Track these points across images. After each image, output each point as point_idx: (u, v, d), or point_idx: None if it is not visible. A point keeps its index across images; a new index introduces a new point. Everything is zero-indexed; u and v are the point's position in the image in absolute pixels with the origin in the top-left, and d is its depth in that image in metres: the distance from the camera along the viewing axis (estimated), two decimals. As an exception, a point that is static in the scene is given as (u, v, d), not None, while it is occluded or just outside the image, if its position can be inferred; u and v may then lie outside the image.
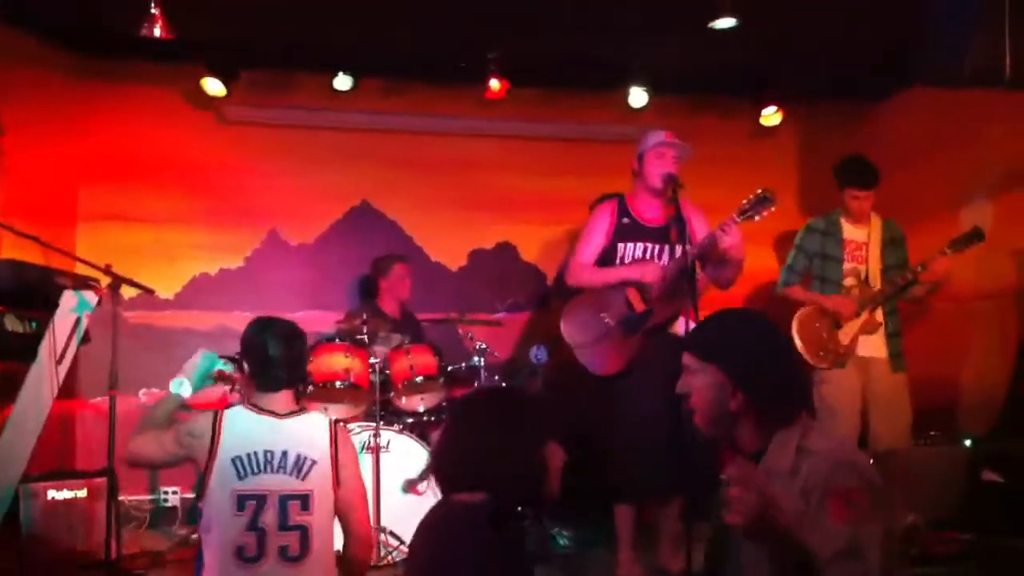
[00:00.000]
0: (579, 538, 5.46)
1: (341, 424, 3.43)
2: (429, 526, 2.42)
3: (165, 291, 6.65)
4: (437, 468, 2.46)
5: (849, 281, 5.49)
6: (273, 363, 3.33)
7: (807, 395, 2.42)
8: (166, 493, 6.39)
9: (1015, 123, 6.00)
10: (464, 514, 2.32)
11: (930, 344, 6.08)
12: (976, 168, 6.28)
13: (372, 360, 5.45)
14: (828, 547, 2.09)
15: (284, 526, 3.13)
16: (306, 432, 3.28)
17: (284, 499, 3.15)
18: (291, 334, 3.42)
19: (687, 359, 2.40)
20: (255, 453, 3.18)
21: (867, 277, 5.51)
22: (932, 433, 5.78)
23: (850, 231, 5.57)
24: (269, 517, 3.12)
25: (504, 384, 5.82)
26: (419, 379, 5.52)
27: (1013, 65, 5.27)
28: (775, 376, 2.34)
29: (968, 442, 5.76)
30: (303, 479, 3.20)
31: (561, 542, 5.42)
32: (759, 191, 4.91)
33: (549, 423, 2.46)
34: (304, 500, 3.17)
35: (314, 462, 3.23)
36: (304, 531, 3.16)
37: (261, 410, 3.29)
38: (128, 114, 6.76)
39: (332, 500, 3.25)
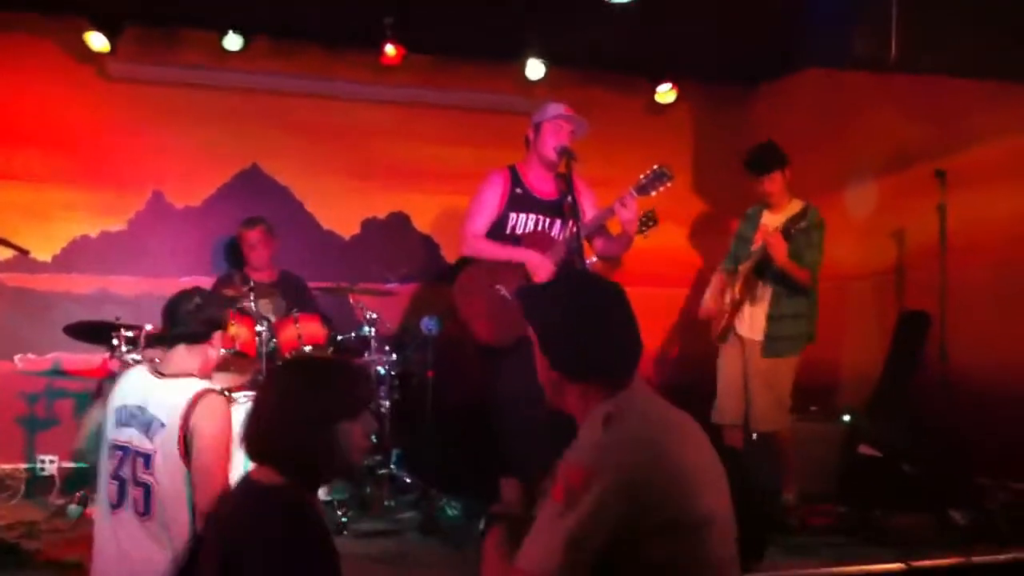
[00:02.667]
0: (467, 508, 5.46)
1: (215, 396, 3.32)
2: (229, 507, 2.42)
3: (42, 253, 6.40)
4: (244, 437, 2.43)
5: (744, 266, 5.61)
6: (171, 319, 3.42)
7: (613, 367, 2.20)
8: (43, 462, 6.17)
9: (900, 106, 6.18)
10: (261, 496, 2.30)
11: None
12: (861, 150, 6.45)
13: (259, 328, 5.35)
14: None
15: (135, 480, 3.24)
16: (170, 395, 3.29)
17: (136, 454, 3.25)
18: (194, 290, 3.53)
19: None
20: (128, 406, 3.31)
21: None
22: (812, 409, 5.95)
23: (767, 217, 5.68)
24: (127, 469, 3.25)
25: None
26: (307, 348, 5.45)
27: (898, 48, 5.42)
28: (572, 343, 2.20)
29: (847, 418, 5.95)
30: (150, 439, 3.25)
31: (450, 512, 5.42)
32: (656, 167, 4.98)
33: (354, 394, 2.44)
34: (147, 459, 3.23)
35: (162, 425, 3.24)
36: (147, 489, 3.22)
37: (154, 369, 3.40)
38: (1, 66, 6.45)
39: (182, 467, 3.21)
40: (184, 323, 3.41)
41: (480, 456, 4.93)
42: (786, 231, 5.24)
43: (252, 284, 5.52)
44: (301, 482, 2.35)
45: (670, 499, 1.98)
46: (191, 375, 3.37)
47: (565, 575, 1.94)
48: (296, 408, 2.36)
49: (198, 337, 3.43)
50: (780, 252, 5.23)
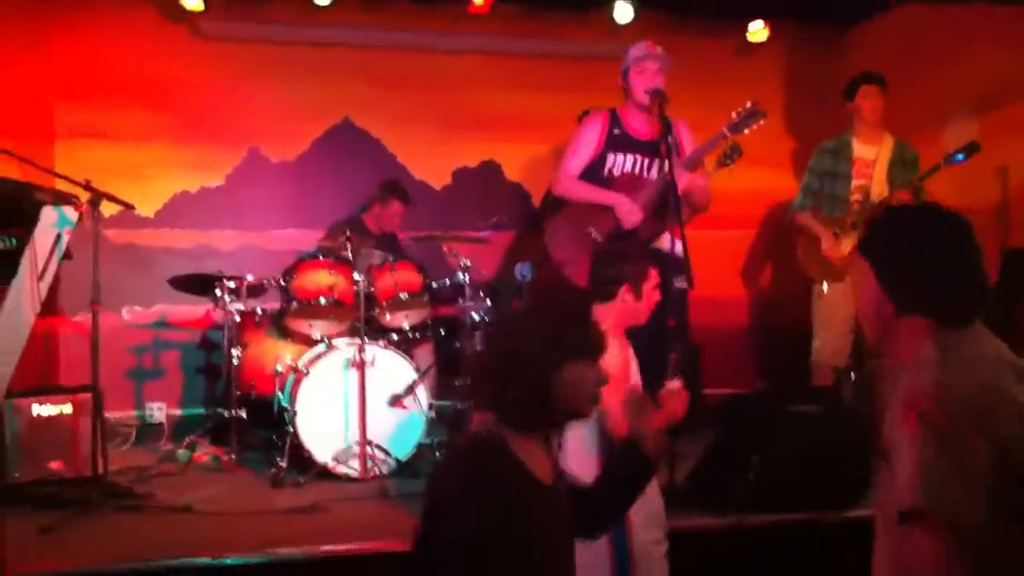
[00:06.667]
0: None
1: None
2: (444, 460, 2.34)
3: (146, 209, 6.56)
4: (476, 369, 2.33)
5: (855, 196, 5.55)
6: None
7: (954, 301, 2.07)
8: (151, 409, 6.40)
9: (1000, 38, 5.97)
10: (463, 446, 2.24)
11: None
12: (961, 85, 6.25)
13: (356, 277, 5.43)
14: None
15: None
16: None
17: None
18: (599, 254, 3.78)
19: (857, 258, 2.23)
20: None
21: (871, 194, 5.56)
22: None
23: (860, 149, 5.65)
24: None
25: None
26: (403, 296, 5.52)
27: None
28: (927, 282, 2.08)
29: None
30: None
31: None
32: (749, 104, 4.91)
33: (593, 336, 2.28)
34: None
35: None
36: None
37: None
38: (102, 29, 6.60)
39: None
40: (595, 285, 3.59)
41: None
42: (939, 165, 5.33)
43: (348, 233, 5.57)
44: (518, 424, 2.20)
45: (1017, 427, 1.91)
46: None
47: (962, 515, 1.90)
48: (532, 337, 2.21)
49: (606, 296, 3.52)
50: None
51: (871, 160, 5.62)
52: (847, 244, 5.54)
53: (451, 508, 2.08)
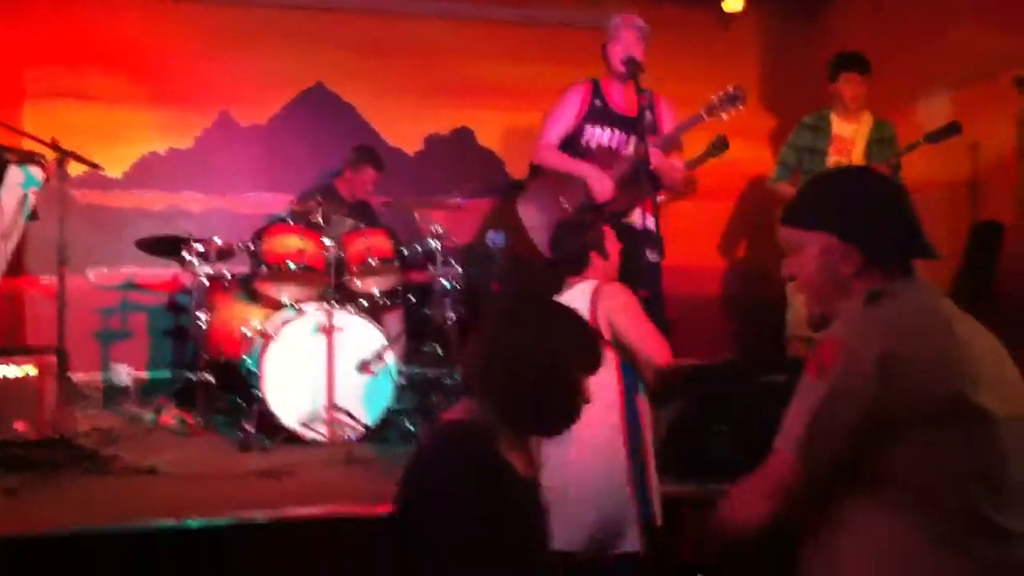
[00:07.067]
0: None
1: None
2: (420, 449, 2.27)
3: (114, 170, 6.49)
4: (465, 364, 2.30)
5: None
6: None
7: (915, 246, 2.08)
8: (118, 371, 6.31)
9: (976, 17, 5.97)
10: (452, 433, 2.19)
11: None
12: (937, 62, 6.26)
13: (326, 242, 5.40)
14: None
15: None
16: None
17: None
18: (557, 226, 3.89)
19: (787, 236, 2.15)
20: None
21: None
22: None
23: (839, 126, 5.64)
24: None
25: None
26: (374, 262, 5.49)
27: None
28: (888, 224, 2.07)
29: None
30: None
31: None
32: (731, 88, 4.86)
33: (597, 353, 2.26)
34: None
35: None
36: None
37: None
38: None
39: None
40: (564, 260, 3.62)
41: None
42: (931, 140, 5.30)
43: (319, 199, 5.53)
44: (509, 422, 2.17)
45: (935, 384, 1.88)
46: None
47: (811, 451, 1.91)
48: (553, 343, 2.17)
49: (580, 268, 3.57)
50: None
51: (849, 138, 5.62)
52: None
53: (433, 493, 2.05)
